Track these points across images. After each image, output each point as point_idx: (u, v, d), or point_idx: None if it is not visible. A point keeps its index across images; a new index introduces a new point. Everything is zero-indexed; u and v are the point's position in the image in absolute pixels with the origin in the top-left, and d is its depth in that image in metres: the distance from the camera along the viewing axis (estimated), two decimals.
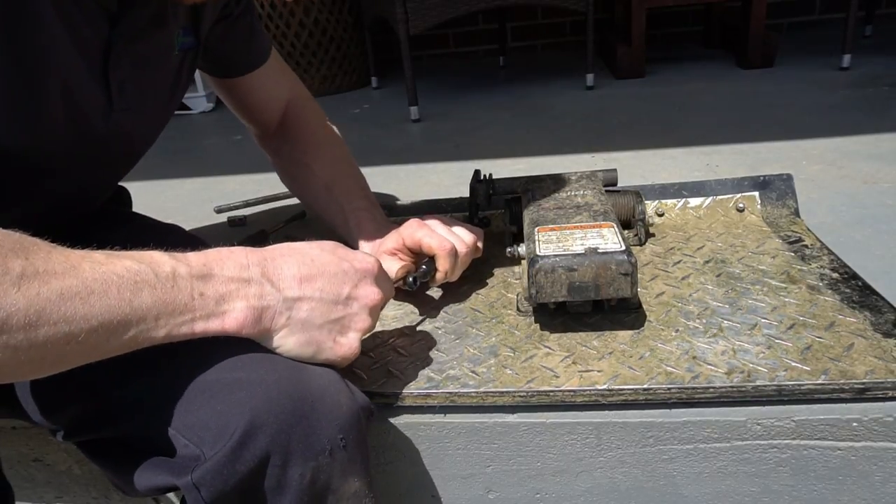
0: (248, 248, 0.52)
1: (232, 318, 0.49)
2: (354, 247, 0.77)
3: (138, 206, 0.88)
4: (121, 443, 0.55)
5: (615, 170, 0.89)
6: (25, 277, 0.39)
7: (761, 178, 0.92)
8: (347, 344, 0.55)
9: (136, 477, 0.53)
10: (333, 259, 0.54)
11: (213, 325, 0.48)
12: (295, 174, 0.92)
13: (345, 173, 0.88)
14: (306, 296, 0.52)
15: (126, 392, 0.53)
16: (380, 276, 0.58)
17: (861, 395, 0.57)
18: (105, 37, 0.57)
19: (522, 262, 0.70)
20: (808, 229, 0.87)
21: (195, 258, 0.48)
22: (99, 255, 0.44)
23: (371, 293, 0.55)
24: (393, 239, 0.75)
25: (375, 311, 0.57)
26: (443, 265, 0.73)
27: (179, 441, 0.49)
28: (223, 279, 0.48)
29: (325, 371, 0.53)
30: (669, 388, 0.59)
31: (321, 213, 0.89)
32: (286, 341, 0.52)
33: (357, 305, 0.55)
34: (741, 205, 0.91)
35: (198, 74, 0.93)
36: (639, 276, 0.73)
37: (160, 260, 0.46)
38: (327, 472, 0.49)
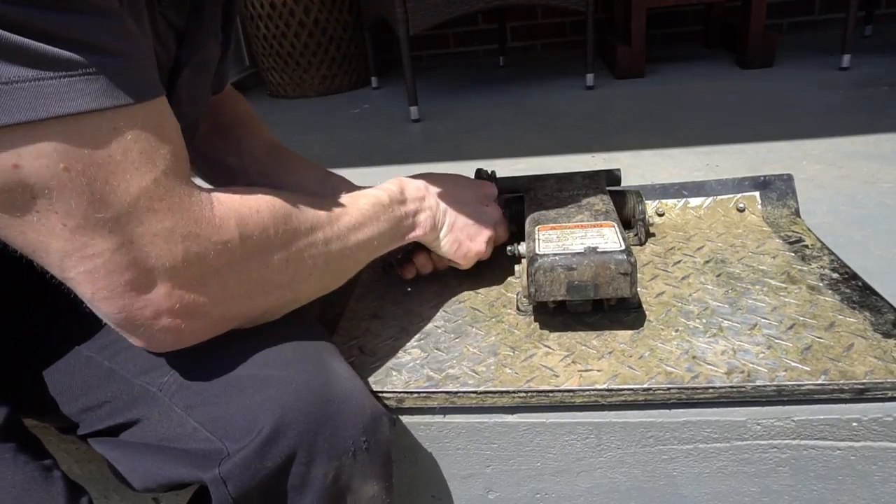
0: (423, 176, 0.70)
1: (422, 227, 0.67)
2: None
3: None
4: (132, 432, 0.55)
5: (619, 169, 0.89)
6: (326, 224, 0.55)
7: (762, 177, 0.92)
8: (477, 246, 0.73)
9: (149, 469, 0.53)
10: (471, 184, 0.74)
11: (412, 235, 0.67)
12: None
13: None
14: (455, 208, 0.70)
15: (149, 380, 0.53)
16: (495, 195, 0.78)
17: (861, 395, 0.57)
18: (174, 54, 0.58)
19: (522, 260, 0.70)
20: (809, 229, 0.86)
21: (391, 187, 0.66)
22: (349, 200, 0.60)
23: (495, 210, 0.76)
24: None
25: (498, 226, 0.76)
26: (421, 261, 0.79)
27: (201, 434, 0.50)
28: (412, 199, 0.66)
29: (350, 375, 0.54)
30: (669, 388, 0.59)
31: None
32: (444, 241, 0.71)
33: (486, 217, 0.74)
34: (741, 205, 0.91)
35: None
36: (639, 275, 0.73)
37: (380, 195, 0.63)
38: (349, 472, 0.50)
